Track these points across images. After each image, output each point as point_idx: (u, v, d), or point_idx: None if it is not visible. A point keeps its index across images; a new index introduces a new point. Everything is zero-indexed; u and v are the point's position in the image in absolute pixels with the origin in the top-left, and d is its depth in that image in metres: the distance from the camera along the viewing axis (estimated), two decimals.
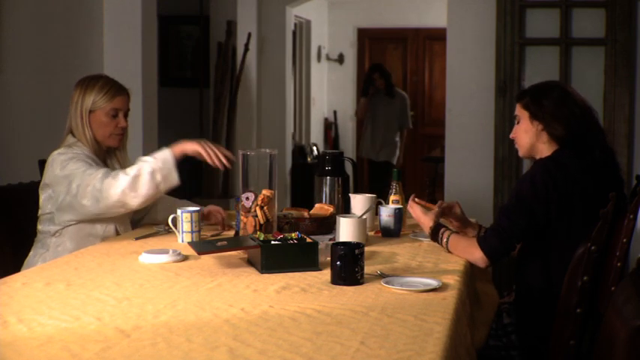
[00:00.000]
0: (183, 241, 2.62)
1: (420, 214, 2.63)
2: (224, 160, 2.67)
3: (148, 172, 2.59)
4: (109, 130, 2.77)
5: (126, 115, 2.83)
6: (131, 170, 2.60)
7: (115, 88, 2.80)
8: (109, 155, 2.88)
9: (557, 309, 2.30)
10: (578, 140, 2.44)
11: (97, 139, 2.77)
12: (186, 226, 2.63)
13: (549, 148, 2.47)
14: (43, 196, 2.72)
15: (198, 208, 2.68)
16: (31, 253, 2.74)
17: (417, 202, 2.69)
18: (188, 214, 2.63)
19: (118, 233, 2.77)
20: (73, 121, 2.77)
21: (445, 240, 2.48)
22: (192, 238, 2.62)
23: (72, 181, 2.62)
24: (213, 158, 2.68)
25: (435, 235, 2.54)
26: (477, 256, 2.38)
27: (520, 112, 2.53)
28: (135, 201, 2.59)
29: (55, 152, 2.72)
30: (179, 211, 2.64)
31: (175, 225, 2.64)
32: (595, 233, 2.22)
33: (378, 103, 7.23)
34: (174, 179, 2.64)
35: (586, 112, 2.48)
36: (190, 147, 2.68)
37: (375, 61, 9.57)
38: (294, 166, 7.79)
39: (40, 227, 2.74)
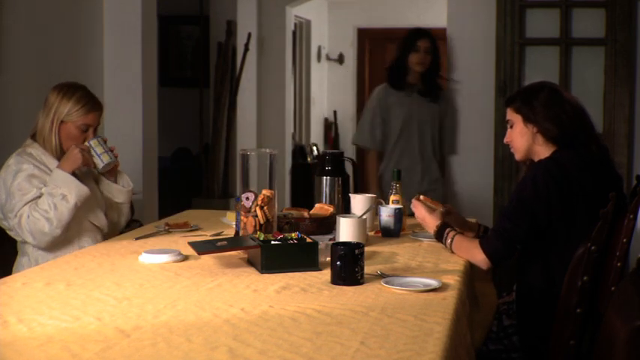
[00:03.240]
0: (104, 162, 2.76)
1: (425, 214, 2.63)
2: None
3: (59, 200, 2.63)
4: (75, 142, 2.78)
5: (95, 130, 2.84)
6: (48, 209, 2.62)
7: (90, 104, 2.79)
8: None
9: (558, 309, 2.30)
10: (573, 138, 2.44)
11: (62, 147, 2.78)
12: (100, 149, 2.75)
13: (546, 150, 2.47)
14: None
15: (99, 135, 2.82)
16: (16, 260, 2.76)
17: (421, 201, 2.69)
18: (96, 140, 2.77)
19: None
20: (41, 123, 2.78)
21: (450, 240, 2.48)
22: (110, 158, 2.77)
23: (11, 212, 2.66)
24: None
25: (439, 234, 2.54)
26: (480, 258, 2.38)
27: (513, 116, 2.53)
28: (58, 231, 2.65)
29: (5, 164, 2.74)
30: (89, 141, 2.76)
31: (90, 153, 2.76)
32: (595, 233, 2.22)
33: (410, 105, 4.25)
34: (83, 191, 2.68)
35: (577, 110, 2.48)
36: (76, 163, 2.71)
37: (374, 61, 9.59)
38: (294, 166, 7.78)
39: (9, 233, 2.75)
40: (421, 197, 2.72)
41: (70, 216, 2.65)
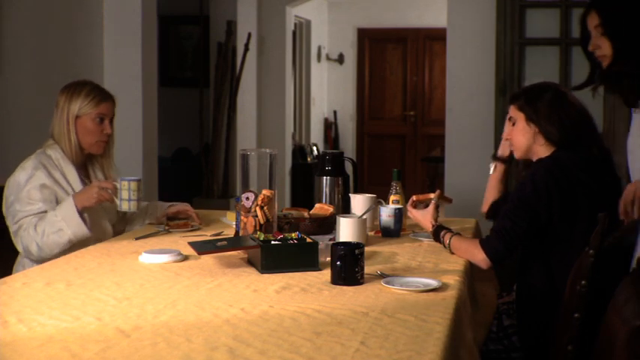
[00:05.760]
0: (121, 208, 2.66)
1: (419, 218, 2.66)
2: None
3: (55, 232, 2.59)
4: (94, 136, 2.78)
5: (111, 122, 2.83)
6: (41, 235, 2.59)
7: (101, 95, 2.80)
8: (91, 162, 2.88)
9: (558, 312, 2.29)
10: (574, 142, 2.44)
11: (81, 145, 2.78)
12: (125, 194, 2.65)
13: (546, 150, 2.47)
14: (5, 206, 2.72)
15: (138, 178, 2.70)
16: (18, 259, 2.76)
17: (415, 200, 2.72)
18: (126, 183, 2.65)
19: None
20: (57, 126, 2.78)
21: (447, 242, 2.49)
22: (129, 207, 2.65)
23: (12, 218, 2.66)
24: (110, 199, 2.67)
25: (436, 237, 2.56)
26: (480, 258, 2.38)
27: (515, 113, 2.53)
28: (46, 257, 2.61)
29: (22, 164, 2.72)
30: (120, 180, 2.67)
31: (116, 194, 2.67)
32: (593, 237, 2.21)
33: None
34: (82, 232, 2.63)
35: (581, 113, 2.49)
36: (89, 201, 2.64)
37: (374, 61, 9.59)
38: (294, 166, 7.79)
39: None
40: (414, 197, 2.74)
41: (60, 250, 2.61)
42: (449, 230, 2.54)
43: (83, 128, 2.77)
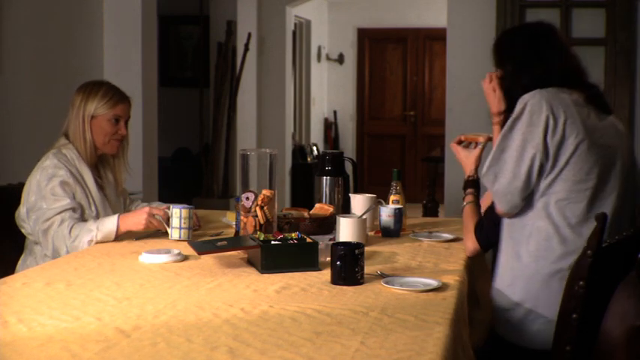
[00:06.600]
0: (172, 237, 2.62)
1: (463, 158, 2.61)
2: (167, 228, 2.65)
3: (87, 241, 2.59)
4: (109, 136, 2.78)
5: (126, 123, 2.83)
6: (72, 239, 2.58)
7: (117, 96, 2.80)
8: (102, 163, 2.87)
9: (558, 313, 2.29)
10: None
11: (95, 144, 2.78)
12: (176, 223, 2.62)
13: None
14: (25, 206, 2.70)
15: (189, 206, 2.67)
16: (21, 258, 2.75)
17: (461, 139, 2.65)
18: (178, 211, 2.62)
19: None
20: (72, 125, 2.77)
21: (464, 204, 2.51)
22: (179, 235, 2.61)
23: (38, 217, 2.63)
24: (159, 226, 2.65)
25: (464, 188, 2.56)
26: (471, 248, 2.42)
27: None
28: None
29: (40, 164, 2.70)
30: (172, 208, 2.63)
31: (167, 222, 2.64)
32: (590, 236, 2.20)
33: None
34: (108, 240, 2.63)
35: None
36: (136, 226, 2.64)
37: (374, 61, 9.59)
38: (294, 166, 7.79)
39: (24, 232, 2.73)
40: (461, 137, 2.65)
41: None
42: (475, 192, 2.53)
43: (98, 128, 2.77)
